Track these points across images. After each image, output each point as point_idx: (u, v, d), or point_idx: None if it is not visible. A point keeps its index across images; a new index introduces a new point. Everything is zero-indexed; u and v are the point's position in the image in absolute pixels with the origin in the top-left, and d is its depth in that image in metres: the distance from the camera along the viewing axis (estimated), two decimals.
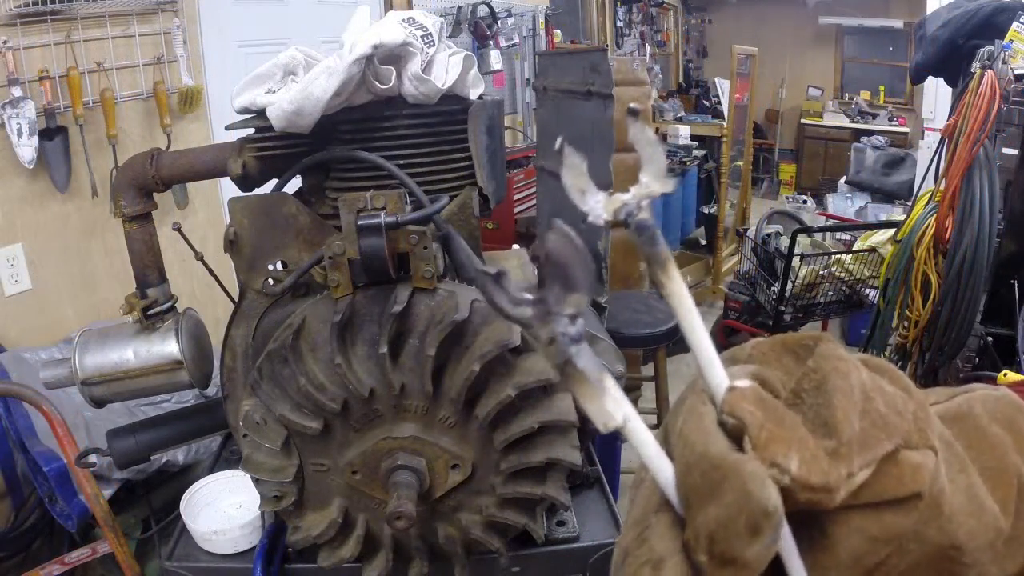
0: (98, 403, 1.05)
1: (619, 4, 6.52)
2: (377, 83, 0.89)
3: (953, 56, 2.82)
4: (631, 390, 3.11)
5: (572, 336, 0.29)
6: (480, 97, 1.01)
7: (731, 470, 0.28)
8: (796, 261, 3.45)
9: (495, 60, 4.24)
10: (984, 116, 2.51)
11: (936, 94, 5.16)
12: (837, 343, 0.34)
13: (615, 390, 0.30)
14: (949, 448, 0.33)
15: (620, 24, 6.55)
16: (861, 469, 0.29)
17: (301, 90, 0.87)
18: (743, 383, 0.31)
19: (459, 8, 4.16)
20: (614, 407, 0.30)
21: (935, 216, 2.75)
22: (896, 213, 5.27)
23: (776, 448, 0.28)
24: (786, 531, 0.29)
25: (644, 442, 0.31)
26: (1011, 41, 2.63)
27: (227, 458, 1.30)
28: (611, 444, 2.18)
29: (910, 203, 3.49)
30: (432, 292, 0.86)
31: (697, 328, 0.32)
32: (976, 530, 0.32)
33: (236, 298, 1.01)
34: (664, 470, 0.31)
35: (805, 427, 0.30)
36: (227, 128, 1.02)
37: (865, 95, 8.35)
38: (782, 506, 0.27)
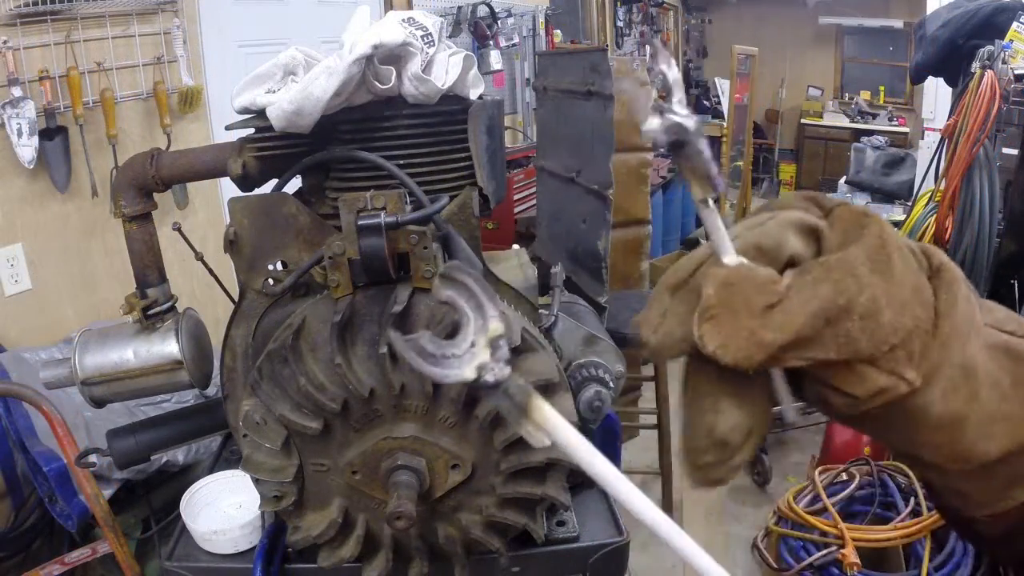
0: (98, 403, 1.05)
1: (619, 4, 6.52)
2: (377, 83, 0.89)
3: (953, 56, 2.83)
4: (631, 390, 3.11)
5: (495, 370, 0.30)
6: (480, 97, 1.01)
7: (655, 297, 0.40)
8: None
9: (495, 60, 4.24)
10: (984, 116, 2.51)
11: (936, 94, 5.16)
12: (903, 241, 0.38)
13: (545, 410, 0.32)
14: (966, 375, 0.37)
15: (620, 24, 6.54)
16: (788, 357, 0.35)
17: (301, 90, 0.87)
18: (731, 259, 0.37)
19: (459, 8, 4.16)
20: (536, 432, 0.32)
21: (935, 216, 2.75)
22: (896, 213, 5.27)
23: (708, 328, 0.35)
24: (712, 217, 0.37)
25: (574, 445, 0.33)
26: (1011, 41, 2.63)
27: (227, 458, 1.30)
28: (611, 444, 2.18)
29: (910, 203, 3.49)
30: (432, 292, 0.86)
31: (713, 215, 0.37)
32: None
33: (236, 298, 1.01)
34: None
35: (781, 303, 0.35)
36: (227, 128, 1.02)
37: (865, 95, 8.35)
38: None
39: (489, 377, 0.29)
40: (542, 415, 0.31)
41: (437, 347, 0.28)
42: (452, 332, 0.29)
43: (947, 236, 2.71)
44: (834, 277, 0.35)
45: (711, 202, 0.37)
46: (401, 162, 0.94)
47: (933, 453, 0.38)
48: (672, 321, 0.39)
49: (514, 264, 1.11)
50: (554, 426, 0.31)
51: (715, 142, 5.92)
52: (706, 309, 0.36)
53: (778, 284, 0.36)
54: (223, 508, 1.16)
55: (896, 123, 7.86)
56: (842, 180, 6.85)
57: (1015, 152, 2.74)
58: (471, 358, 0.29)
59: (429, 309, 0.86)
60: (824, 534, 2.00)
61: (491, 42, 4.19)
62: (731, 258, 0.37)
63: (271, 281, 0.98)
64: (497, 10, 4.24)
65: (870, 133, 7.42)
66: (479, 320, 0.29)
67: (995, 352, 0.38)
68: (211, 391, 1.25)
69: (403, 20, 0.90)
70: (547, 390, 0.88)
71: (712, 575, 0.33)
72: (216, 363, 1.07)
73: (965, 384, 0.36)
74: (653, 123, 0.35)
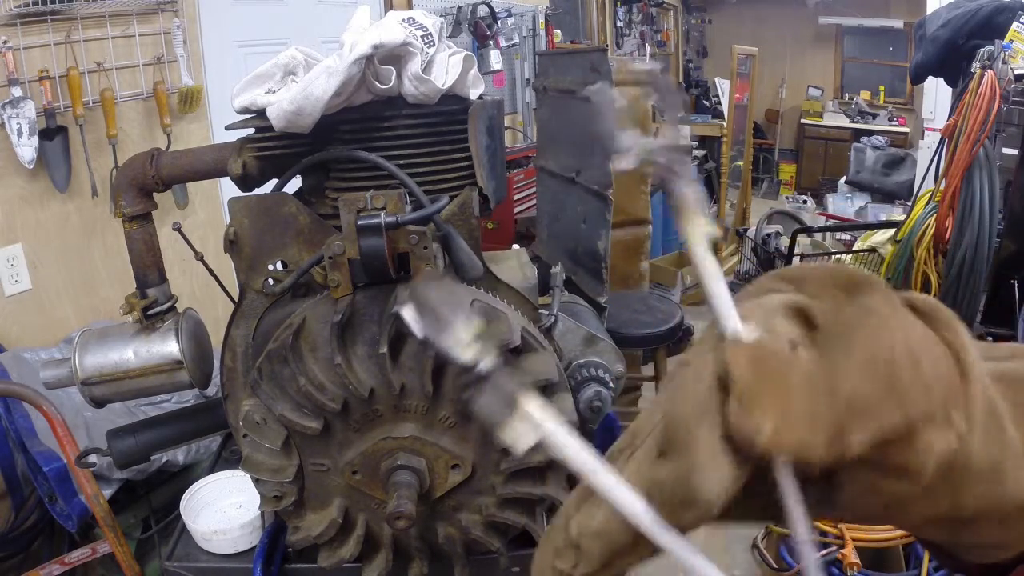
0: (98, 403, 1.05)
1: (619, 4, 6.52)
2: (377, 83, 0.89)
3: (953, 56, 2.83)
4: (631, 390, 3.11)
5: (477, 368, 0.30)
6: (480, 97, 1.01)
7: (692, 442, 0.30)
8: (796, 261, 3.45)
9: (495, 60, 4.24)
10: (984, 116, 2.52)
11: (936, 94, 5.16)
12: (889, 290, 0.33)
13: (532, 410, 0.31)
14: (991, 415, 0.33)
15: (620, 24, 6.54)
16: (854, 435, 0.29)
17: (301, 90, 0.87)
18: (749, 332, 0.31)
19: (459, 8, 4.16)
20: (526, 429, 0.30)
21: (935, 216, 2.75)
22: (896, 213, 5.28)
23: (755, 411, 0.29)
24: (788, 478, 0.30)
25: (572, 451, 0.31)
26: (1011, 41, 2.63)
27: (227, 458, 1.30)
28: (611, 444, 2.18)
29: (910, 203, 3.49)
30: None
31: (711, 270, 0.33)
32: (990, 495, 0.33)
33: (236, 298, 1.01)
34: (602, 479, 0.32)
35: (819, 376, 0.30)
36: (227, 128, 1.02)
37: (865, 95, 8.35)
38: (720, 495, 0.29)
39: (483, 364, 0.30)
40: (529, 408, 0.31)
41: (443, 317, 0.30)
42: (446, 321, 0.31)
43: (947, 236, 2.71)
44: (865, 330, 0.31)
45: (709, 245, 0.33)
46: (401, 162, 0.94)
47: (976, 507, 0.34)
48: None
49: (514, 264, 1.11)
50: (541, 420, 0.31)
51: (715, 142, 5.92)
52: (742, 393, 0.29)
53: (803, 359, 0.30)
54: (223, 508, 1.16)
55: (896, 123, 7.86)
56: (842, 180, 6.85)
57: (1015, 152, 2.74)
58: (466, 345, 0.30)
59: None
60: (824, 534, 1.99)
61: (491, 42, 4.19)
62: (735, 323, 0.31)
63: (271, 281, 0.98)
64: (497, 10, 4.23)
65: (870, 133, 7.43)
66: (466, 315, 0.30)
67: (996, 384, 0.35)
68: (211, 391, 1.25)
69: (403, 20, 0.90)
70: (547, 390, 0.88)
71: (698, 570, 0.32)
72: (216, 363, 1.07)
73: (994, 424, 0.33)
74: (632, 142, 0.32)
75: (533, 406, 0.31)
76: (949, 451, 0.31)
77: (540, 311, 1.03)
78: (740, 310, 0.33)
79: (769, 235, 4.66)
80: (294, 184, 1.05)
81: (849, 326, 0.31)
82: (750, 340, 0.30)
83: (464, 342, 0.30)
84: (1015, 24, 2.65)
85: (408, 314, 0.31)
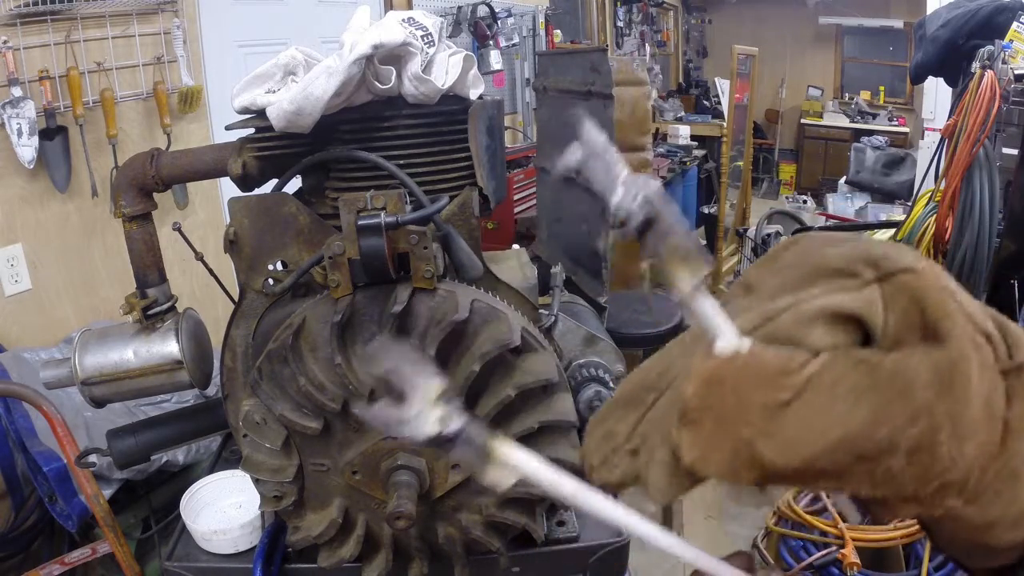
0: (98, 403, 1.05)
1: (619, 4, 6.53)
2: (377, 83, 0.89)
3: (953, 56, 2.83)
4: None
5: (452, 421, 0.31)
6: (480, 97, 1.01)
7: (649, 448, 0.30)
8: None
9: (495, 60, 4.24)
10: (984, 116, 2.51)
11: (936, 94, 5.16)
12: (979, 341, 0.28)
13: (505, 454, 0.32)
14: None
15: (620, 24, 6.55)
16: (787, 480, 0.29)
17: (301, 90, 0.87)
18: (727, 343, 0.29)
19: (459, 8, 4.16)
20: (501, 471, 0.31)
21: (935, 216, 2.75)
22: (896, 213, 5.28)
23: (686, 433, 0.28)
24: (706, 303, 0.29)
25: (549, 481, 0.32)
26: (1011, 41, 2.63)
27: (227, 458, 1.30)
28: None
29: (910, 203, 3.49)
30: (432, 292, 0.86)
31: (706, 301, 0.30)
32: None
33: (236, 298, 1.01)
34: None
35: (809, 406, 0.27)
36: (227, 128, 1.02)
37: (865, 95, 8.35)
38: (664, 501, 0.29)
39: (451, 428, 0.30)
40: (503, 452, 0.31)
41: (397, 413, 0.30)
42: (401, 398, 0.31)
43: (947, 236, 2.71)
44: (878, 398, 0.26)
45: (701, 283, 0.30)
46: (401, 162, 0.94)
47: (951, 546, 0.32)
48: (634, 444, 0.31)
49: (514, 264, 1.11)
50: (517, 460, 0.31)
51: (715, 142, 5.92)
52: (685, 413, 0.28)
53: (797, 373, 0.27)
54: (223, 508, 1.16)
55: (896, 123, 7.86)
56: (842, 180, 6.85)
57: (1015, 152, 2.74)
58: (428, 416, 0.30)
59: (429, 309, 0.86)
60: (824, 534, 1.99)
61: (491, 42, 4.19)
62: (728, 341, 0.28)
63: (271, 281, 0.98)
64: (497, 10, 4.23)
65: (870, 133, 7.42)
66: (422, 382, 0.31)
67: None
68: (211, 391, 1.25)
69: (403, 20, 0.90)
70: (547, 390, 0.88)
71: (700, 563, 0.33)
72: (216, 363, 1.07)
73: (1009, 489, 0.29)
74: (620, 197, 0.31)
75: (505, 450, 0.31)
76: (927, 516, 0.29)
77: (540, 311, 1.03)
78: (772, 307, 0.29)
79: (769, 235, 4.66)
80: (294, 184, 1.05)
81: (888, 380, 0.26)
82: (729, 353, 0.28)
83: (427, 415, 0.30)
84: (1015, 24, 2.65)
85: (369, 417, 0.31)
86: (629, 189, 0.30)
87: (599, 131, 0.31)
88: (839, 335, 0.28)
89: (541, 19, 4.91)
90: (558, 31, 5.11)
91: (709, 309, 0.29)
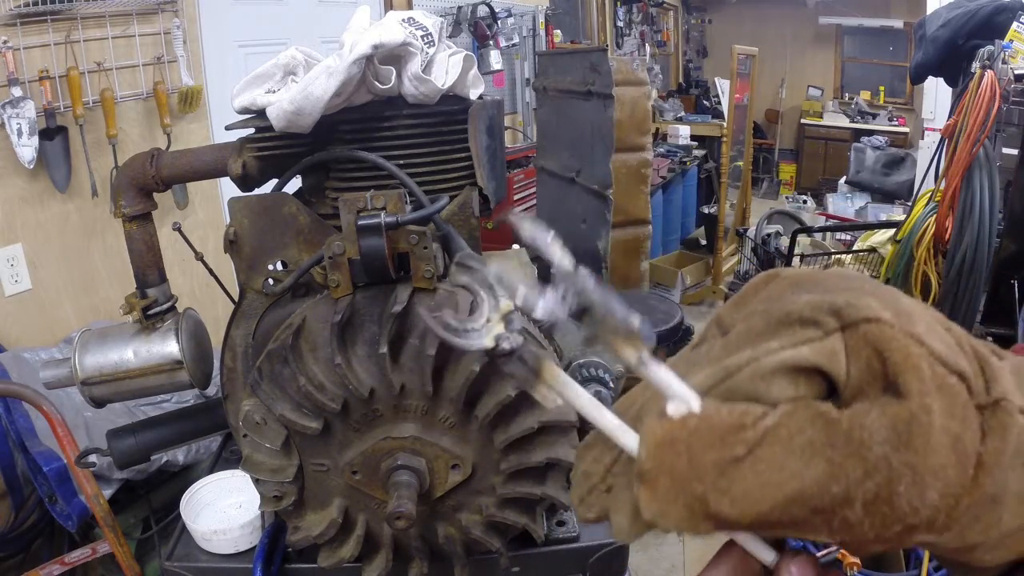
0: (98, 403, 1.05)
1: (619, 4, 6.53)
2: (377, 83, 0.89)
3: (953, 56, 2.83)
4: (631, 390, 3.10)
5: (510, 339, 0.32)
6: (480, 97, 1.01)
7: (615, 488, 0.32)
8: (796, 261, 3.45)
9: (495, 60, 4.24)
10: (984, 116, 2.51)
11: (936, 94, 5.17)
12: (956, 387, 0.27)
13: (556, 372, 0.33)
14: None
15: (620, 24, 6.55)
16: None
17: (301, 90, 0.87)
18: (677, 407, 0.29)
19: (459, 8, 4.16)
20: (549, 392, 0.33)
21: (935, 216, 2.75)
22: (896, 213, 5.28)
23: (644, 491, 0.29)
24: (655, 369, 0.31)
25: (583, 402, 0.33)
26: (1011, 41, 2.63)
27: (227, 458, 1.30)
28: None
29: (910, 203, 3.49)
30: (432, 292, 0.86)
31: (656, 369, 0.31)
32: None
33: (236, 298, 1.01)
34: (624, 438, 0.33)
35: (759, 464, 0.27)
36: (227, 128, 1.02)
37: (865, 95, 8.36)
38: (629, 540, 0.31)
39: (505, 345, 0.32)
40: (553, 376, 0.33)
41: (459, 322, 0.32)
42: (471, 310, 0.32)
43: (947, 236, 2.71)
44: (833, 454, 0.26)
45: (647, 356, 0.31)
46: (401, 162, 0.94)
47: (940, 559, 0.32)
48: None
49: (514, 264, 1.11)
50: (563, 384, 0.33)
51: (715, 142, 5.92)
52: (640, 473, 0.29)
53: (751, 428, 0.27)
54: (223, 508, 1.16)
55: (896, 123, 7.87)
56: (842, 180, 6.85)
57: (1015, 152, 2.74)
58: (489, 330, 0.32)
59: (429, 309, 0.86)
60: None
61: (491, 42, 4.19)
62: (677, 405, 0.29)
63: (271, 281, 0.98)
64: (497, 10, 4.24)
65: (870, 133, 7.43)
66: (492, 299, 0.32)
67: None
68: (211, 391, 1.25)
69: (403, 20, 0.90)
70: None
71: None
72: (216, 363, 1.07)
73: (989, 514, 0.28)
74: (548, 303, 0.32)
75: (555, 373, 0.33)
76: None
77: None
78: (732, 362, 0.29)
79: (769, 235, 4.66)
80: (294, 184, 1.05)
81: (844, 438, 0.26)
82: (681, 415, 0.29)
83: (491, 328, 0.32)
84: (1015, 24, 2.65)
85: (429, 320, 0.33)
86: (562, 283, 0.32)
87: (542, 229, 0.33)
88: (801, 387, 0.28)
89: (541, 19, 4.91)
90: (558, 31, 5.11)
91: (660, 374, 0.30)
